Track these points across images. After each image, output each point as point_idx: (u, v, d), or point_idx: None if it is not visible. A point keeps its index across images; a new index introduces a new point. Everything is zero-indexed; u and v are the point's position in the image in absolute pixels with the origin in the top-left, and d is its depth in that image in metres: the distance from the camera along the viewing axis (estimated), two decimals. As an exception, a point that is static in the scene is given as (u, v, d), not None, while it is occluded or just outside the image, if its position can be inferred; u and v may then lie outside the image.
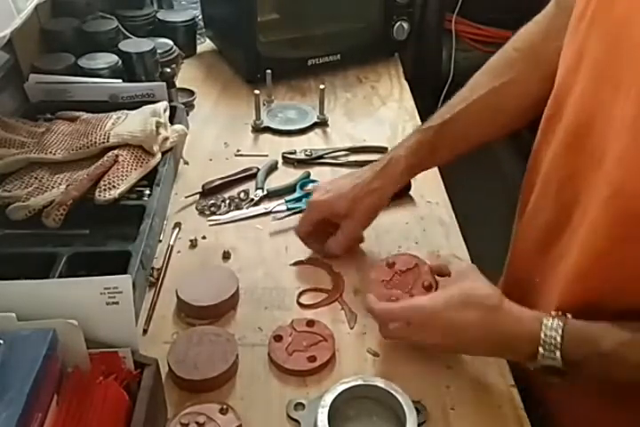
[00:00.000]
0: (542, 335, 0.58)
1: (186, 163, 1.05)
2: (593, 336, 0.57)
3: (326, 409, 0.63)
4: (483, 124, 0.79)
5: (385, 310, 0.68)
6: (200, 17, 1.38)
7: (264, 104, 1.18)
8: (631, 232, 0.55)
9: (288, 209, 0.95)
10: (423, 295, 0.68)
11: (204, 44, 1.41)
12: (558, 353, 0.57)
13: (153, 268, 0.84)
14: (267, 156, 1.07)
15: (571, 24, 0.64)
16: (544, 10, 0.76)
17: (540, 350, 0.58)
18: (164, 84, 1.07)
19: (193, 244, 0.89)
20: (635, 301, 0.57)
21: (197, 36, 1.39)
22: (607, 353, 0.56)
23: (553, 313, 0.59)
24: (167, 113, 1.02)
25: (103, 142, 0.92)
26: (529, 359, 0.59)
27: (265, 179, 1.01)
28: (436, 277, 0.72)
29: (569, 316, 0.59)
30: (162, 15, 1.32)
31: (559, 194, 0.65)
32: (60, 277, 0.75)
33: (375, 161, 0.84)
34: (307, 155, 1.06)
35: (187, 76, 1.30)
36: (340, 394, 0.65)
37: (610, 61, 0.56)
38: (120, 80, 1.10)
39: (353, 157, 1.07)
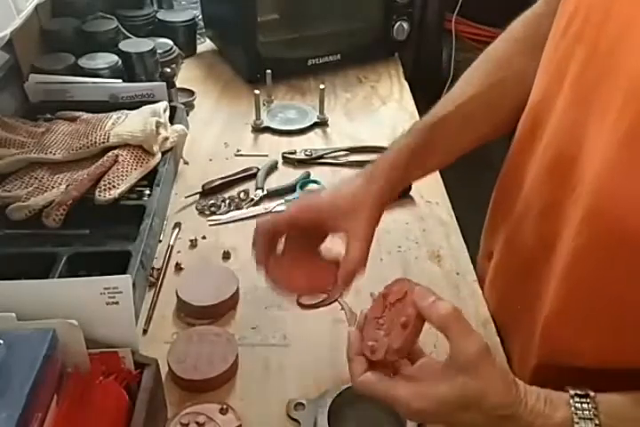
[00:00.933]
0: None
1: (186, 163, 1.05)
2: None
3: (326, 409, 0.63)
4: (477, 123, 0.71)
5: (366, 390, 0.55)
6: (200, 17, 1.38)
7: (264, 104, 1.18)
8: (616, 275, 0.51)
9: (288, 209, 0.95)
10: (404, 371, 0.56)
11: (204, 44, 1.41)
12: None
13: (153, 268, 0.84)
14: (267, 156, 1.07)
15: (551, 37, 0.59)
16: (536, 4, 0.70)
17: None
18: (164, 84, 1.07)
19: (193, 244, 0.89)
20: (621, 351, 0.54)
21: (197, 36, 1.39)
22: None
23: (576, 394, 0.51)
24: (167, 113, 1.02)
25: (103, 142, 0.92)
26: None
27: (265, 179, 1.01)
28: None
29: (598, 405, 0.50)
30: (162, 15, 1.32)
31: (540, 222, 0.61)
32: (60, 277, 0.75)
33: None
34: (307, 155, 1.06)
35: (187, 76, 1.30)
36: (339, 394, 0.65)
37: (597, 94, 0.51)
38: (120, 80, 1.10)
39: (353, 157, 1.07)
